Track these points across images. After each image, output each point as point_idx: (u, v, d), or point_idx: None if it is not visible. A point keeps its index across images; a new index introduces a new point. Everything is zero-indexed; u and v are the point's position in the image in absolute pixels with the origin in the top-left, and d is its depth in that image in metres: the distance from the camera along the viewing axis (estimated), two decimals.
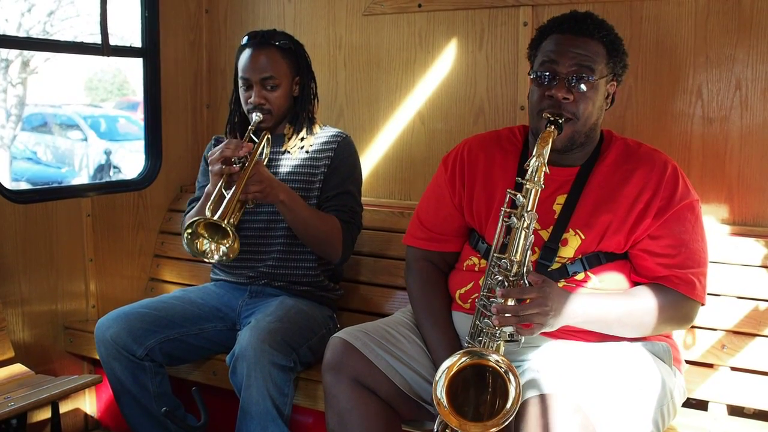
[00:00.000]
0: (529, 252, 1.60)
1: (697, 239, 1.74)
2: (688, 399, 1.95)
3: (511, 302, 1.55)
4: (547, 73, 1.70)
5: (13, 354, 2.35)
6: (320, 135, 2.35)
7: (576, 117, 1.70)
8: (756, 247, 2.05)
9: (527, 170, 1.63)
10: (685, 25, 2.21)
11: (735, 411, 2.02)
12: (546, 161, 1.62)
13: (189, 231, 1.96)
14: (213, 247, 2.00)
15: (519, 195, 1.61)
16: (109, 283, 2.79)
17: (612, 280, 1.74)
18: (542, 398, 1.50)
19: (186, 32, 3.01)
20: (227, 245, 1.98)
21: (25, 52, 9.55)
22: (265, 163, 2.24)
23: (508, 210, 1.63)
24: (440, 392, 1.50)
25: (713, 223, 2.19)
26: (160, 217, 2.96)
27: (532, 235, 1.61)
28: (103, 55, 2.69)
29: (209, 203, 2.03)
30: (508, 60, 2.48)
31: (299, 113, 2.34)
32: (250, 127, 2.23)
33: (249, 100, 2.26)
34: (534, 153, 1.63)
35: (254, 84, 2.25)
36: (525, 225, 1.60)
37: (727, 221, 2.20)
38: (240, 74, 2.28)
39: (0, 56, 9.56)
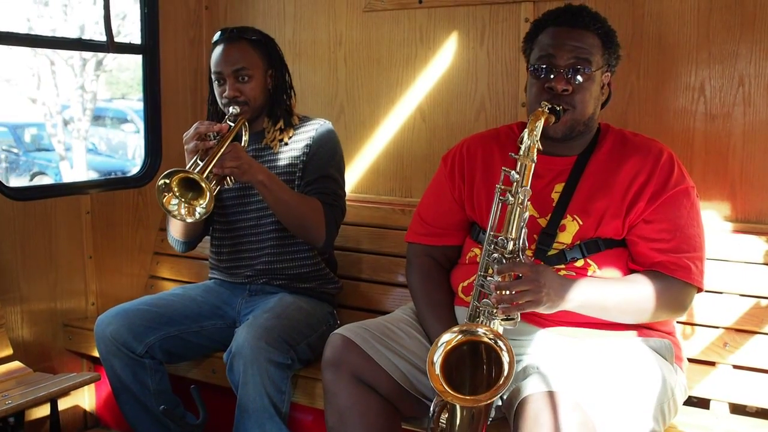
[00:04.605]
0: (524, 229, 1.61)
1: (693, 224, 1.75)
2: (690, 397, 1.94)
3: (506, 279, 1.56)
4: (546, 66, 1.74)
5: (12, 352, 2.34)
6: (300, 127, 2.32)
7: (573, 107, 1.73)
8: (759, 244, 2.04)
9: (520, 147, 1.65)
10: (687, 21, 2.19)
11: (737, 409, 2.01)
12: (538, 138, 1.65)
13: (163, 182, 1.88)
14: (184, 210, 1.92)
15: (513, 171, 1.63)
16: (108, 281, 2.78)
17: (611, 267, 1.75)
18: (541, 395, 1.49)
19: (186, 29, 3.00)
20: (202, 203, 1.89)
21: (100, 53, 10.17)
22: (244, 148, 2.18)
23: (503, 187, 1.65)
24: (436, 366, 1.49)
25: (716, 220, 2.18)
26: (159, 214, 2.94)
27: (527, 212, 1.62)
28: (108, 51, 2.69)
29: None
30: (510, 56, 2.47)
31: (275, 107, 2.30)
32: (226, 117, 2.17)
33: (224, 95, 2.21)
34: (526, 128, 1.66)
35: (227, 77, 2.20)
36: (520, 201, 1.61)
37: (729, 218, 2.18)
38: (213, 69, 2.25)
39: (81, 56, 10.46)
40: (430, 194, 2.00)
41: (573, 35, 1.73)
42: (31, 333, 2.53)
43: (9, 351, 2.33)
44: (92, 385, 2.68)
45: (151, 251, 2.93)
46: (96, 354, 2.24)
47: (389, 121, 2.72)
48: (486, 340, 1.50)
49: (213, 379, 2.28)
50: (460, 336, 1.53)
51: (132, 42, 2.98)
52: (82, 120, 10.59)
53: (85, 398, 2.72)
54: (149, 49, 2.85)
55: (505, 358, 1.46)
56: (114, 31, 2.66)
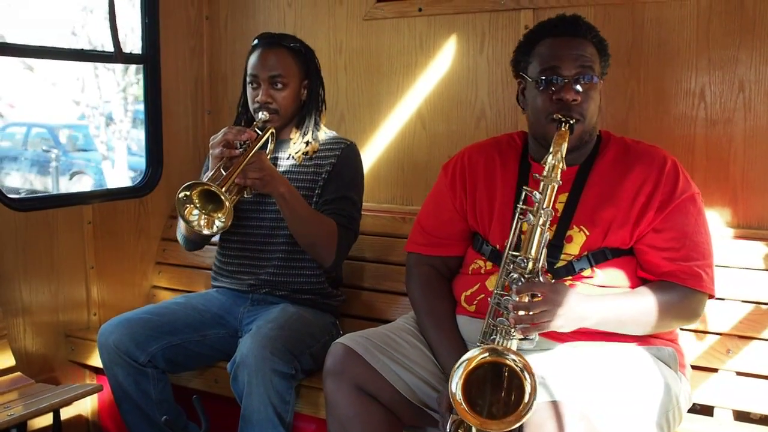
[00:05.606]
0: (544, 249, 1.60)
1: (701, 231, 1.74)
2: (693, 404, 1.93)
3: (525, 299, 1.55)
4: (551, 78, 1.71)
5: (14, 362, 2.34)
6: (325, 142, 2.32)
7: (584, 117, 1.72)
8: (761, 249, 2.03)
9: (543, 167, 1.63)
10: (687, 27, 2.20)
11: (741, 416, 2.00)
12: (563, 158, 1.63)
13: (184, 194, 1.90)
14: (203, 221, 1.94)
15: (536, 192, 1.61)
16: (110, 291, 2.78)
17: (617, 276, 1.74)
18: (547, 405, 1.48)
19: (186, 39, 3.00)
20: (221, 217, 1.91)
21: None
22: (268, 157, 2.20)
23: (524, 207, 1.63)
24: (456, 388, 1.47)
25: (717, 226, 2.18)
26: (161, 224, 2.95)
27: (548, 233, 1.61)
28: (116, 62, 2.71)
29: (207, 177, 1.99)
30: (510, 64, 2.47)
31: (306, 118, 2.32)
32: (255, 123, 2.19)
33: (256, 99, 2.23)
34: (551, 150, 1.63)
35: (262, 82, 2.23)
36: (541, 222, 1.60)
37: (731, 224, 2.18)
38: (249, 72, 2.26)
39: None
40: (431, 203, 1.99)
41: (574, 45, 1.73)
42: (33, 344, 2.53)
43: (11, 362, 2.33)
44: (95, 395, 2.68)
45: (152, 261, 2.93)
46: (98, 364, 2.24)
47: (390, 129, 2.72)
48: (513, 365, 1.45)
49: (215, 389, 2.28)
50: (486, 355, 1.48)
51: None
52: (124, 121, 10.94)
53: (88, 407, 2.72)
54: (150, 58, 2.86)
55: (528, 388, 1.43)
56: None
